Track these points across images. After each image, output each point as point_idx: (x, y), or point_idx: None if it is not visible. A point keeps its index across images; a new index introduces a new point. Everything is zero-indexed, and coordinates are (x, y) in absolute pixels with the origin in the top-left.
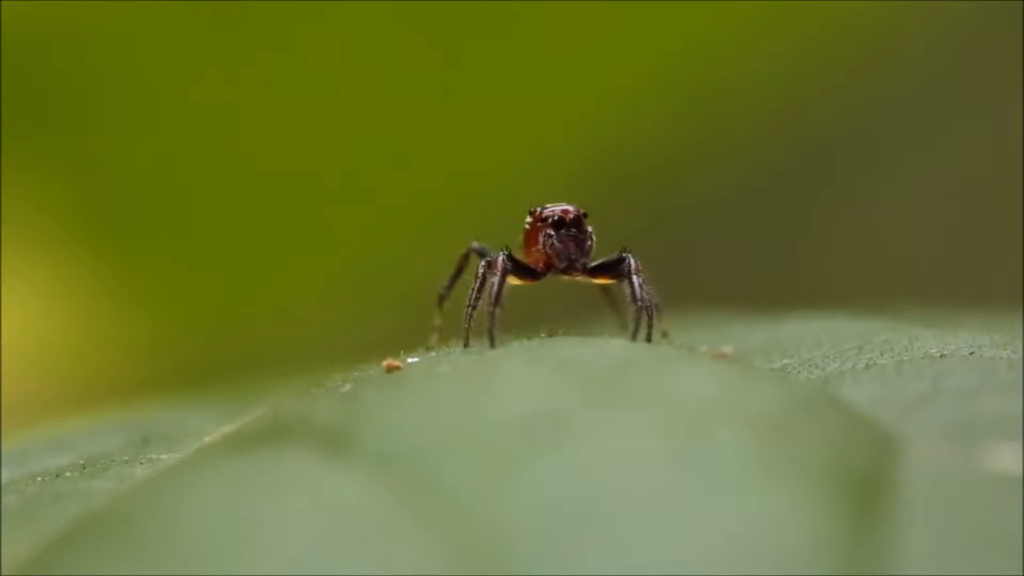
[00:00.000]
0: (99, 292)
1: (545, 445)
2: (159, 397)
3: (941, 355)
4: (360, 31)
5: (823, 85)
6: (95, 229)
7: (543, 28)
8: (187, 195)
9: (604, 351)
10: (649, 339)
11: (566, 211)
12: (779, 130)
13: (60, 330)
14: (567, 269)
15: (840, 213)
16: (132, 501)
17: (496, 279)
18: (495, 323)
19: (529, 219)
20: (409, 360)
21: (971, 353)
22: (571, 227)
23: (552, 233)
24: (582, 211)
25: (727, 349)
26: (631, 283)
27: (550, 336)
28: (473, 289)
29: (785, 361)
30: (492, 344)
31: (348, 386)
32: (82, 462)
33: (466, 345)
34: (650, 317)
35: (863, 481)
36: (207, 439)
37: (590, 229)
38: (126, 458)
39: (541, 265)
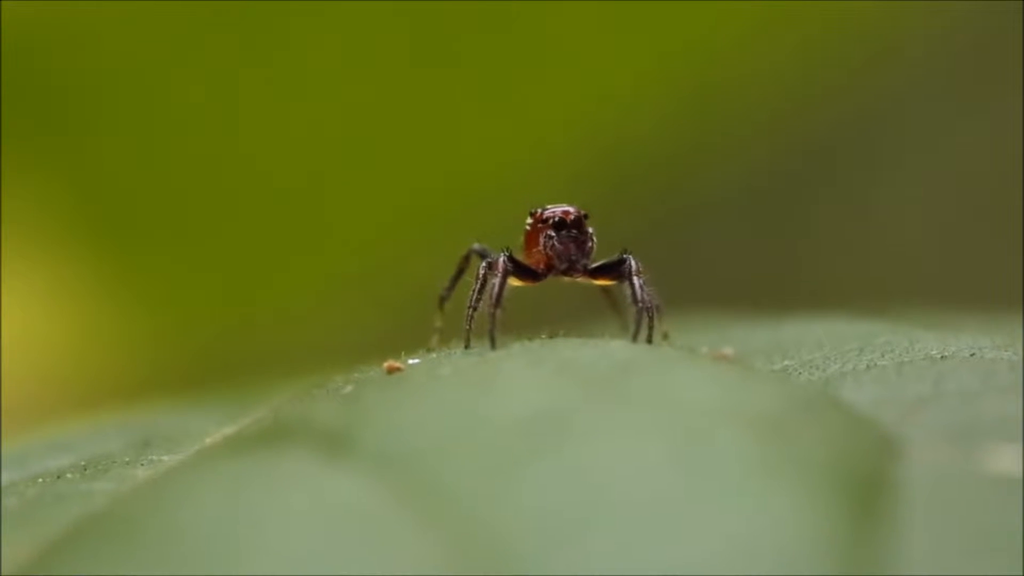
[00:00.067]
0: (99, 292)
1: (546, 446)
2: (160, 398)
3: (942, 357)
4: (360, 31)
5: (823, 85)
6: (95, 229)
7: (543, 28)
8: (187, 195)
9: (605, 352)
10: (650, 340)
11: (567, 212)
12: (779, 130)
13: (60, 330)
14: (568, 270)
15: (840, 213)
16: (133, 502)
17: (497, 280)
18: (496, 324)
19: (530, 220)
20: (410, 361)
21: (972, 355)
22: (572, 228)
23: (553, 234)
24: (583, 212)
25: (728, 351)
26: (632, 284)
27: (551, 337)
28: (474, 290)
29: (786, 362)
30: (493, 345)
31: (349, 387)
32: (83, 463)
33: (467, 346)
34: (651, 318)
35: (864, 482)
36: (208, 440)
37: (591, 230)
38: (127, 459)
39: (542, 266)
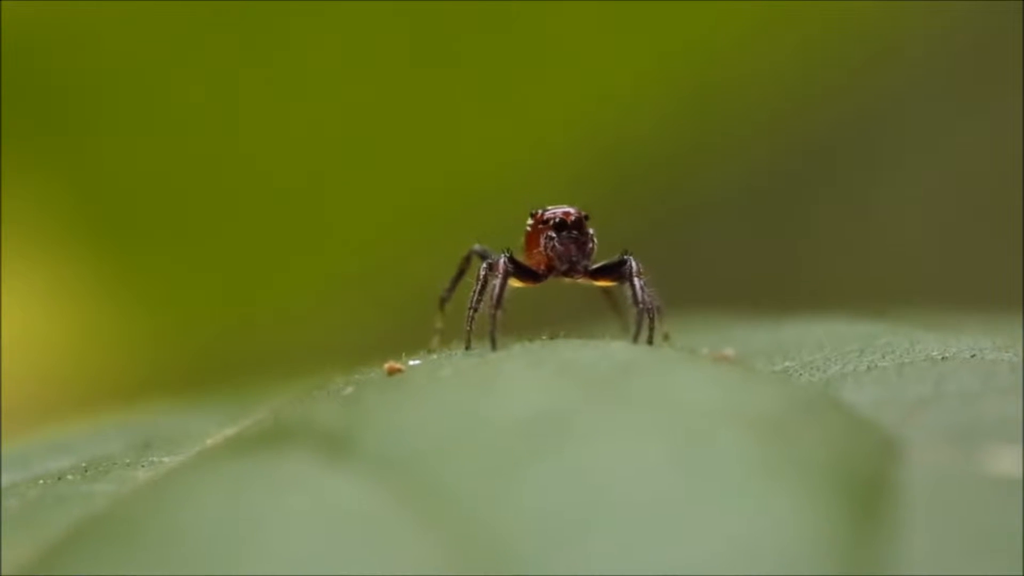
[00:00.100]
0: (99, 292)
1: (547, 448)
2: (160, 398)
3: (943, 358)
4: (360, 31)
5: (823, 85)
6: (95, 229)
7: (543, 28)
8: (187, 195)
9: (606, 354)
10: (650, 341)
11: (567, 213)
12: (779, 130)
13: (60, 331)
14: (568, 271)
15: (840, 213)
16: (134, 504)
17: (498, 281)
18: (497, 325)
19: (530, 221)
20: (411, 362)
21: (973, 356)
22: (572, 229)
23: (554, 235)
24: (583, 213)
25: (729, 351)
26: (632, 286)
27: (552, 338)
28: (474, 291)
29: (787, 363)
30: (494, 346)
31: (349, 389)
32: (84, 465)
33: (468, 347)
34: (651, 319)
35: (864, 484)
36: (208, 442)
37: (591, 231)
38: (128, 461)
39: (543, 267)
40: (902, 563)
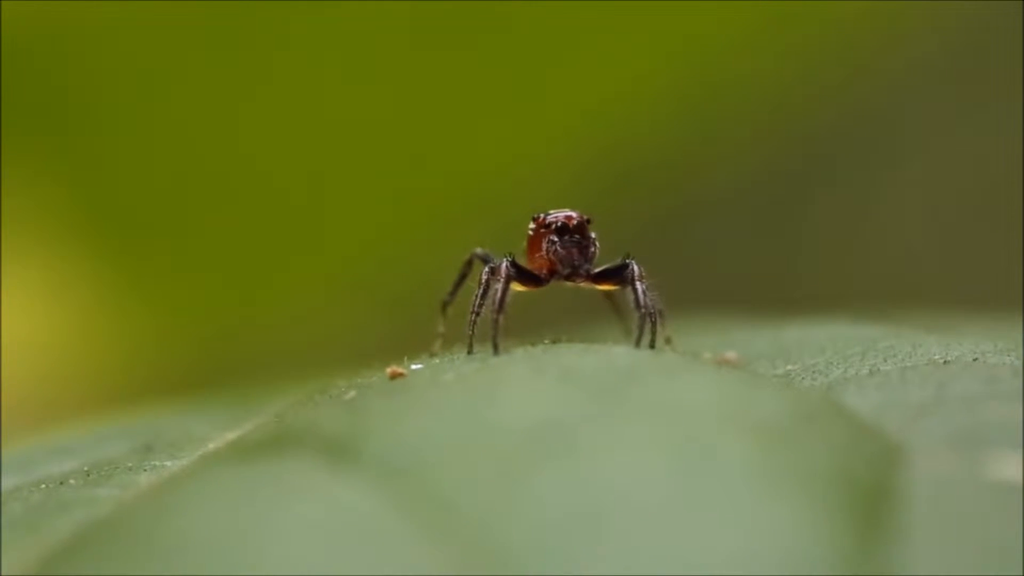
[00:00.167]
0: (99, 292)
1: (549, 454)
2: (162, 399)
3: (945, 361)
4: (360, 32)
5: (823, 85)
6: (95, 229)
7: (543, 29)
8: (187, 195)
9: (608, 359)
10: (653, 346)
11: (569, 217)
12: (779, 130)
13: (60, 331)
14: (571, 275)
15: (840, 213)
16: (137, 509)
17: (500, 285)
18: (499, 330)
19: (532, 225)
20: (413, 367)
21: (975, 360)
22: (574, 233)
23: (556, 239)
24: (585, 217)
25: (731, 355)
26: (634, 290)
27: (554, 343)
28: (477, 295)
29: (789, 367)
30: (496, 351)
31: (352, 393)
32: (86, 469)
33: (470, 352)
34: (653, 324)
35: (867, 489)
36: (211, 446)
37: (593, 235)
38: (130, 465)
39: (545, 271)
40: (904, 569)
